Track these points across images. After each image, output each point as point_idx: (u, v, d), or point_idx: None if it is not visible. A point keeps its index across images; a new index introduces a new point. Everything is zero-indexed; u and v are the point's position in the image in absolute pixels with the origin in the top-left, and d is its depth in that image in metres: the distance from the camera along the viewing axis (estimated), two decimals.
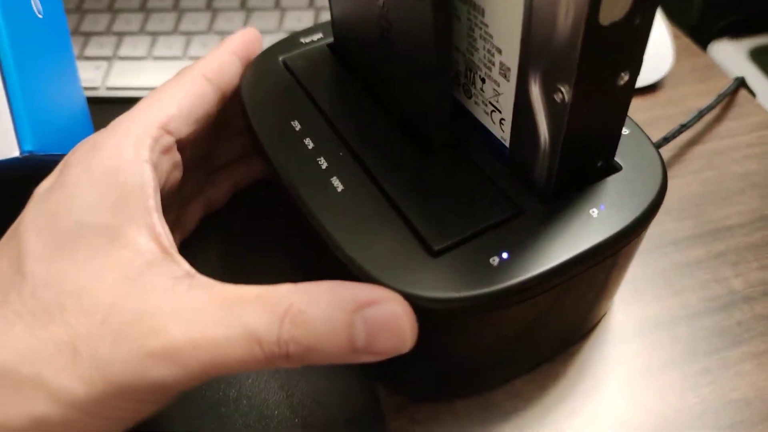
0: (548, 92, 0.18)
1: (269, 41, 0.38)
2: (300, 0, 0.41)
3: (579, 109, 0.18)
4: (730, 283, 0.27)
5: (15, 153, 0.27)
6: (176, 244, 0.27)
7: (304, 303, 0.18)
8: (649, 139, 0.22)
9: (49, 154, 0.29)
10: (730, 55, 0.62)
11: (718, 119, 0.34)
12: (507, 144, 0.21)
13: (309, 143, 0.23)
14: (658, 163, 0.22)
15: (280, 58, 0.27)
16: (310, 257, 0.24)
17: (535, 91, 0.19)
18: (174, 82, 0.24)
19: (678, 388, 0.24)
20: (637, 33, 0.17)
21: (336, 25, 0.26)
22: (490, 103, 0.21)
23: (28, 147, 0.28)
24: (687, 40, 0.39)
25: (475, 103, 0.22)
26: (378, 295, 0.18)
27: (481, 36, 0.20)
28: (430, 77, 0.20)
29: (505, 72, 0.20)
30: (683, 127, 0.31)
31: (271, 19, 0.40)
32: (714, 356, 0.24)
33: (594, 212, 0.20)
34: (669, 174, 0.31)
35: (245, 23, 0.40)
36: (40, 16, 0.30)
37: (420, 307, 0.18)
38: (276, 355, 0.18)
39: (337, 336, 0.18)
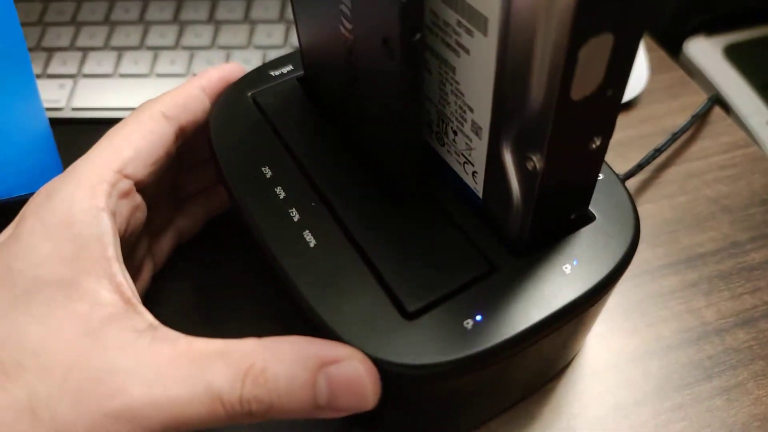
0: (520, 158, 0.18)
1: (239, 56, 0.38)
2: (270, 12, 0.40)
3: (551, 175, 0.18)
4: (702, 314, 0.27)
5: None
6: (149, 276, 0.27)
7: (268, 360, 0.18)
8: (623, 184, 0.22)
9: (14, 196, 0.28)
10: (706, 53, 0.62)
11: (692, 138, 0.34)
12: (479, 194, 0.21)
13: (280, 192, 0.22)
14: (630, 211, 0.22)
15: (249, 94, 0.26)
16: (282, 302, 0.24)
17: (507, 155, 0.18)
18: (131, 120, 0.24)
19: (651, 426, 0.24)
20: (609, 103, 0.17)
21: (305, 62, 0.26)
22: (463, 155, 0.21)
23: None
24: (662, 53, 0.39)
25: (448, 152, 0.22)
26: (341, 353, 0.18)
27: (452, 91, 0.20)
28: (399, 130, 0.20)
29: (476, 130, 0.19)
30: (657, 152, 0.31)
31: (240, 33, 0.39)
32: (685, 391, 0.25)
33: (567, 268, 0.20)
34: (642, 200, 0.31)
35: (214, 37, 0.39)
36: None
37: (394, 373, 0.18)
38: (238, 413, 0.18)
39: (299, 394, 0.18)
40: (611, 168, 0.23)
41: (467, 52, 0.18)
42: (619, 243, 0.21)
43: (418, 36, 0.17)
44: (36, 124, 0.32)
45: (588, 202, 0.21)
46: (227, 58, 0.38)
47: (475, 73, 0.18)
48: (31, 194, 0.29)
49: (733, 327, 0.27)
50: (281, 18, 0.40)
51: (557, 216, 0.20)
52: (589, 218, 0.21)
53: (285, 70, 0.27)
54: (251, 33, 0.39)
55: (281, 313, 0.27)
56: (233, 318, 0.28)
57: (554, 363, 0.24)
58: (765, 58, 0.52)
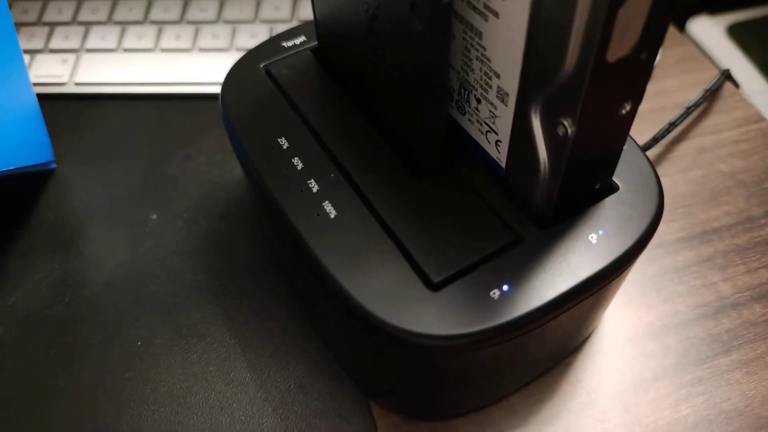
0: (549, 124, 0.17)
1: (245, 30, 0.37)
2: None
3: (581, 141, 0.17)
4: (719, 289, 0.27)
5: None
6: None
7: None
8: (645, 155, 0.22)
9: (15, 168, 0.28)
10: (709, 32, 0.62)
11: (704, 113, 0.34)
12: (502, 164, 0.21)
13: (298, 163, 0.22)
14: (654, 181, 0.21)
15: (262, 65, 0.26)
16: (303, 279, 0.24)
17: (536, 122, 0.18)
18: None
19: (671, 399, 0.24)
20: (643, 66, 0.16)
21: (320, 31, 0.25)
22: (486, 123, 0.21)
23: None
24: (672, 28, 0.39)
25: (470, 121, 0.22)
26: None
27: (477, 57, 0.19)
28: (423, 99, 0.20)
29: (502, 96, 0.19)
30: (671, 126, 0.31)
31: (247, 7, 0.39)
32: (705, 365, 0.25)
33: (593, 238, 0.20)
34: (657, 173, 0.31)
35: (219, 12, 0.38)
36: None
37: (421, 344, 0.18)
38: None
39: None
40: (633, 139, 0.22)
41: (496, 15, 0.17)
42: (644, 213, 0.20)
43: (446, 0, 0.16)
44: (24, 98, 0.31)
45: (613, 172, 0.21)
46: (233, 33, 0.37)
47: (504, 38, 0.17)
48: (19, 168, 0.28)
49: (749, 301, 0.26)
50: None
51: (583, 185, 0.20)
52: (613, 188, 0.21)
53: (297, 41, 0.27)
54: (257, 7, 0.39)
55: (298, 293, 0.27)
56: (247, 299, 0.27)
57: (575, 336, 0.24)
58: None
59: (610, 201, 0.21)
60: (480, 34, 0.18)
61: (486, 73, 0.19)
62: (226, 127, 0.24)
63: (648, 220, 0.20)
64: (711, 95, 0.34)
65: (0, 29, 0.29)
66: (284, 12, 0.38)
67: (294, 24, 0.38)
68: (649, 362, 0.25)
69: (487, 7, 0.17)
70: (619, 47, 0.15)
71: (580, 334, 0.24)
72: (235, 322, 0.26)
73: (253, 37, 0.37)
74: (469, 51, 0.19)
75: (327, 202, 0.21)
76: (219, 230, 0.30)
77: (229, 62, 0.36)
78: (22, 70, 0.31)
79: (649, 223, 0.20)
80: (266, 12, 0.38)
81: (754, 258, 0.28)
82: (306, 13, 0.38)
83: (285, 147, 0.23)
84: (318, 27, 0.25)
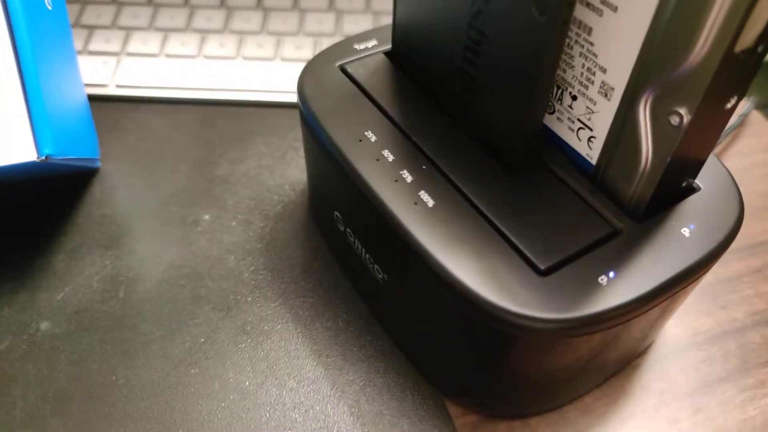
0: (661, 114, 0.18)
1: (290, 42, 0.38)
2: (320, 3, 0.40)
3: (692, 131, 0.18)
4: None
5: (32, 157, 0.25)
6: None
7: None
8: (719, 159, 0.23)
9: (63, 158, 0.27)
10: None
11: (737, 138, 0.36)
12: (592, 161, 0.22)
13: (388, 155, 0.22)
14: (731, 182, 0.22)
15: (337, 65, 0.26)
16: (384, 273, 0.24)
17: (643, 113, 0.19)
18: None
19: (738, 401, 0.24)
20: (756, 60, 0.17)
21: (399, 34, 0.26)
22: (579, 120, 0.21)
23: (47, 151, 0.26)
24: None
25: (558, 119, 0.22)
26: None
27: (581, 54, 0.20)
28: (527, 96, 0.20)
29: (606, 91, 0.20)
30: None
31: (291, 20, 0.39)
32: (764, 369, 0.25)
33: (686, 232, 0.20)
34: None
35: (263, 23, 0.39)
36: (50, 8, 0.28)
37: (531, 327, 0.18)
38: None
39: None
40: None
41: (614, 9, 0.18)
42: (728, 211, 0.21)
43: None
44: (76, 93, 0.31)
45: (699, 170, 0.21)
46: (277, 44, 0.38)
47: (620, 31, 0.18)
48: (68, 161, 0.28)
49: None
50: (331, 7, 0.40)
51: (677, 181, 0.21)
52: (694, 189, 0.22)
53: (369, 44, 0.27)
54: (301, 20, 0.39)
55: (370, 291, 0.27)
56: (310, 297, 0.27)
57: (649, 336, 0.24)
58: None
59: (694, 199, 0.22)
60: (589, 30, 0.19)
61: (589, 69, 0.20)
62: (308, 119, 0.24)
63: (734, 217, 0.21)
64: (742, 120, 0.36)
65: (59, 25, 0.29)
66: (328, 26, 0.39)
67: (338, 38, 0.38)
68: (713, 366, 0.25)
69: (604, 2, 0.18)
70: (746, 38, 0.16)
71: (653, 334, 0.25)
72: (301, 320, 0.26)
73: (298, 48, 0.38)
74: (571, 48, 0.20)
75: (423, 191, 0.21)
76: (275, 231, 0.29)
77: (274, 71, 0.36)
78: (75, 64, 0.31)
79: (735, 220, 0.21)
80: (310, 25, 0.39)
81: None
82: (349, 28, 0.39)
83: (373, 140, 0.23)
84: (397, 29, 0.26)
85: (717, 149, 0.34)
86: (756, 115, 0.37)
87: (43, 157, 0.25)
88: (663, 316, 0.23)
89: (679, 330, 0.26)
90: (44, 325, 0.26)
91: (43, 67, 0.25)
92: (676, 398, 0.24)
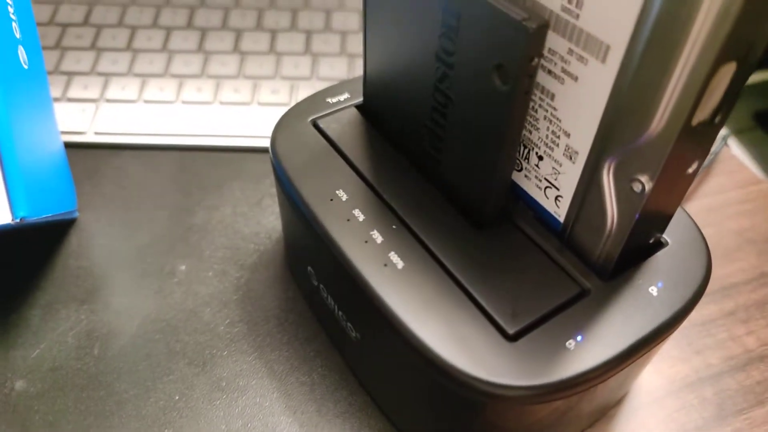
0: (624, 181, 0.18)
1: (266, 86, 0.38)
2: (295, 45, 0.41)
3: (655, 197, 0.18)
4: (744, 342, 0.28)
5: (7, 220, 0.25)
6: None
7: None
8: (686, 211, 0.23)
9: (39, 217, 0.27)
10: None
11: (708, 176, 0.36)
12: (560, 219, 0.22)
13: (359, 215, 0.22)
14: (699, 236, 0.23)
15: (309, 119, 0.26)
16: (358, 330, 0.24)
17: (607, 178, 0.19)
18: None
19: None
20: (714, 129, 0.18)
21: (369, 90, 0.26)
22: (546, 179, 0.22)
23: (22, 213, 0.26)
24: None
25: (526, 177, 0.23)
26: None
27: (545, 117, 0.20)
28: (492, 157, 0.20)
29: (570, 154, 0.20)
30: None
31: (267, 63, 0.39)
32: (741, 416, 0.25)
33: (653, 290, 0.21)
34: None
35: (240, 67, 0.39)
36: (26, 67, 0.28)
37: (500, 395, 0.18)
38: None
39: None
40: None
41: (574, 79, 0.18)
42: (696, 266, 0.22)
43: (535, 61, 0.17)
44: (53, 146, 0.31)
45: (666, 227, 0.22)
46: (254, 88, 0.38)
47: (581, 100, 0.19)
48: (44, 218, 0.28)
49: None
50: (307, 51, 0.40)
51: (644, 239, 0.21)
52: (662, 243, 0.22)
53: (342, 97, 0.28)
54: (277, 64, 0.40)
55: (346, 346, 0.27)
56: (286, 350, 0.27)
57: (624, 387, 0.25)
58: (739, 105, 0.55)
59: (662, 255, 0.22)
60: (552, 96, 0.20)
61: (554, 132, 0.20)
62: (280, 177, 0.24)
63: (702, 272, 0.21)
64: (713, 159, 0.37)
65: (35, 81, 0.29)
66: (304, 70, 0.39)
67: (314, 81, 0.39)
68: (689, 414, 0.25)
69: (564, 71, 0.19)
70: (703, 112, 0.16)
71: (629, 383, 0.25)
72: (276, 375, 0.26)
73: (274, 92, 0.38)
74: (536, 111, 0.21)
75: (393, 252, 0.21)
76: (251, 281, 0.29)
77: (251, 116, 0.37)
78: (52, 117, 0.31)
79: (703, 275, 0.21)
80: (287, 69, 0.39)
81: None
82: (325, 71, 0.39)
83: (344, 199, 0.23)
84: (367, 85, 0.26)
85: (690, 187, 0.35)
86: (727, 152, 0.38)
87: (18, 220, 0.25)
88: (636, 370, 0.24)
89: (654, 378, 0.27)
90: (19, 384, 0.26)
91: (17, 128, 0.25)
92: None
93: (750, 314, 0.29)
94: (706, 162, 0.35)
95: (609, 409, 0.25)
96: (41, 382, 0.26)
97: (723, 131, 0.39)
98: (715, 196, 0.35)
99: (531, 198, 0.23)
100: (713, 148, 0.36)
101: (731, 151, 0.39)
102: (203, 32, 0.41)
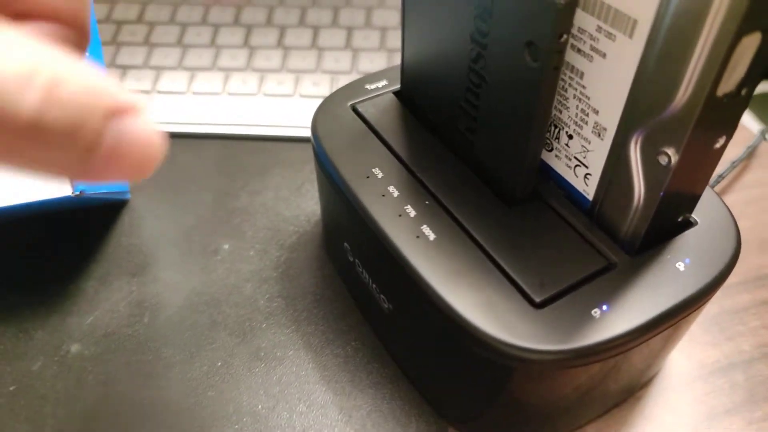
0: (650, 154, 0.19)
1: (308, 79, 0.40)
2: (336, 41, 0.42)
3: (681, 170, 0.19)
4: None
5: (68, 192, 0.27)
6: None
7: (65, 74, 0.12)
8: (717, 194, 0.24)
9: (96, 192, 0.29)
10: None
11: (745, 169, 0.36)
12: (589, 197, 0.22)
13: (393, 191, 0.23)
14: (729, 217, 0.23)
15: (348, 104, 0.28)
16: (390, 303, 0.25)
17: (634, 152, 0.20)
18: None
19: None
20: (741, 103, 0.18)
21: (407, 75, 0.27)
22: (575, 158, 0.22)
23: (81, 186, 0.28)
24: None
25: (556, 156, 0.23)
26: (133, 101, 0.13)
27: (575, 96, 0.21)
28: (524, 135, 0.21)
29: (599, 131, 0.21)
30: (720, 178, 0.33)
31: (309, 58, 0.41)
32: None
33: (680, 266, 0.21)
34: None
35: (283, 61, 0.41)
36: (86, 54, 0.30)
37: (526, 358, 0.19)
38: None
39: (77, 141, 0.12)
40: None
41: (603, 56, 0.19)
42: (725, 245, 0.22)
43: (564, 37, 0.18)
44: None
45: (695, 205, 0.22)
46: (296, 81, 0.40)
47: (609, 76, 0.19)
48: (100, 195, 0.30)
49: None
50: (347, 46, 0.42)
51: (671, 217, 0.21)
52: (692, 223, 0.23)
53: (380, 84, 0.29)
54: (319, 58, 0.41)
55: (377, 319, 0.28)
56: (322, 325, 0.28)
57: (652, 367, 0.25)
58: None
59: (690, 234, 0.22)
60: (581, 74, 0.20)
61: (583, 110, 0.21)
62: (320, 156, 0.26)
63: (730, 251, 0.22)
64: (750, 152, 0.37)
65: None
66: (345, 64, 0.41)
67: (354, 75, 0.40)
68: (719, 398, 0.26)
69: (593, 48, 0.19)
70: (727, 83, 0.17)
71: (656, 365, 0.25)
72: (312, 347, 0.27)
73: (315, 85, 0.39)
74: (566, 90, 0.21)
75: (425, 225, 0.22)
76: (290, 260, 0.31)
77: (292, 107, 0.38)
78: None
79: (731, 255, 0.22)
80: (328, 63, 0.41)
81: None
82: (365, 65, 0.40)
83: (380, 176, 0.24)
84: (405, 71, 0.27)
85: (724, 182, 0.35)
86: (765, 146, 0.37)
87: (78, 193, 0.27)
88: (665, 348, 0.24)
89: (684, 362, 0.27)
90: (74, 348, 0.27)
91: None
92: (679, 430, 0.25)
93: None
94: (743, 154, 0.35)
95: (637, 390, 0.26)
96: (95, 346, 0.27)
97: (761, 126, 0.39)
98: (752, 189, 0.35)
99: (561, 177, 0.23)
100: (751, 142, 0.36)
101: None
102: (249, 29, 0.43)
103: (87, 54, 0.30)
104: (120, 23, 0.44)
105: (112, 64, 0.41)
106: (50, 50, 0.12)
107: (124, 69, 0.41)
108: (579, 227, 0.22)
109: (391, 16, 0.44)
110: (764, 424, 0.25)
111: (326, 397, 0.25)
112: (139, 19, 0.44)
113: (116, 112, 0.12)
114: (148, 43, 0.42)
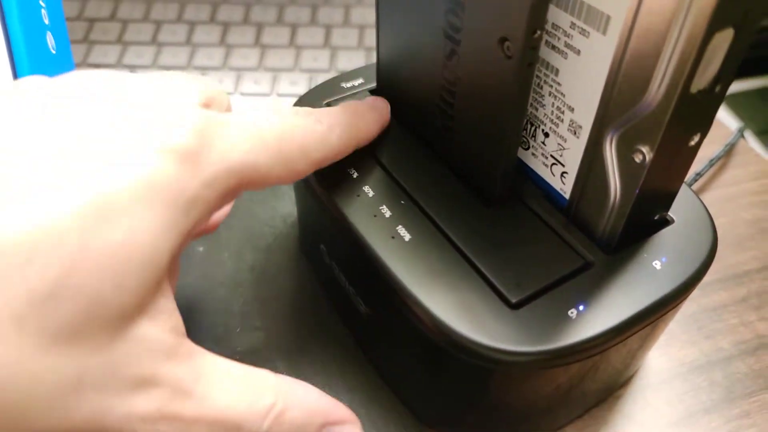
0: (625, 152, 0.19)
1: (285, 78, 0.39)
2: (315, 39, 0.42)
3: (655, 168, 0.19)
4: (756, 327, 0.28)
5: None
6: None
7: (288, 403, 0.17)
8: (694, 192, 0.24)
9: None
10: None
11: (723, 167, 0.36)
12: (566, 195, 0.22)
13: (369, 191, 0.23)
14: (706, 215, 0.23)
15: (324, 102, 0.27)
16: (366, 305, 0.24)
17: (609, 150, 0.19)
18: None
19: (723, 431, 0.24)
20: (715, 99, 0.18)
21: (383, 73, 0.27)
22: (552, 156, 0.22)
23: None
24: None
25: (533, 155, 0.23)
26: (345, 415, 0.19)
27: (550, 93, 0.21)
28: (500, 133, 0.21)
29: (575, 129, 0.20)
30: (698, 176, 0.33)
31: (287, 57, 0.41)
32: (751, 399, 0.25)
33: (657, 264, 0.21)
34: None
35: (260, 60, 0.40)
36: (54, 53, 0.29)
37: (501, 360, 0.18)
38: None
39: None
40: None
41: (577, 52, 0.19)
42: (701, 244, 0.22)
43: (538, 33, 0.18)
44: None
45: (671, 203, 0.22)
46: (273, 80, 0.39)
47: (583, 73, 0.19)
48: None
49: None
50: (326, 44, 0.41)
51: (648, 214, 0.21)
52: (668, 221, 0.22)
53: (356, 82, 0.28)
54: (297, 56, 0.41)
55: (353, 322, 0.27)
56: (299, 329, 0.28)
57: (630, 367, 0.25)
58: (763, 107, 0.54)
59: (667, 232, 0.22)
60: (556, 71, 0.20)
61: (559, 108, 0.21)
62: None
63: (707, 249, 0.21)
64: (729, 150, 0.37)
65: (62, 60, 0.30)
66: (323, 62, 0.40)
67: (332, 74, 0.40)
68: (698, 396, 0.25)
69: (568, 45, 0.19)
70: (701, 80, 0.17)
71: (634, 364, 0.25)
72: (288, 352, 0.27)
73: (293, 84, 0.39)
74: (541, 87, 0.21)
75: (401, 226, 0.22)
76: (265, 263, 0.30)
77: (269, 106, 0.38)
78: None
79: (708, 253, 0.21)
80: (306, 62, 0.40)
81: None
82: (343, 64, 0.40)
83: (355, 176, 0.24)
84: (380, 68, 0.27)
85: (702, 180, 0.35)
86: (743, 145, 0.37)
87: None
88: (643, 347, 0.24)
89: (663, 360, 0.27)
90: None
91: None
92: (659, 429, 0.24)
93: (762, 301, 0.29)
94: (721, 152, 0.35)
95: (616, 389, 0.26)
96: None
97: (739, 124, 0.39)
98: (730, 187, 0.35)
99: (538, 176, 0.23)
100: (728, 140, 0.36)
101: (748, 143, 0.39)
102: (225, 26, 0.42)
103: (55, 53, 0.29)
104: (92, 21, 0.43)
105: (83, 63, 0.40)
106: (285, 381, 0.18)
107: (96, 68, 0.40)
108: (556, 226, 0.22)
109: (370, 14, 0.43)
110: (743, 421, 0.25)
111: None
112: (112, 17, 0.43)
113: (329, 424, 0.18)
114: (121, 41, 0.41)
